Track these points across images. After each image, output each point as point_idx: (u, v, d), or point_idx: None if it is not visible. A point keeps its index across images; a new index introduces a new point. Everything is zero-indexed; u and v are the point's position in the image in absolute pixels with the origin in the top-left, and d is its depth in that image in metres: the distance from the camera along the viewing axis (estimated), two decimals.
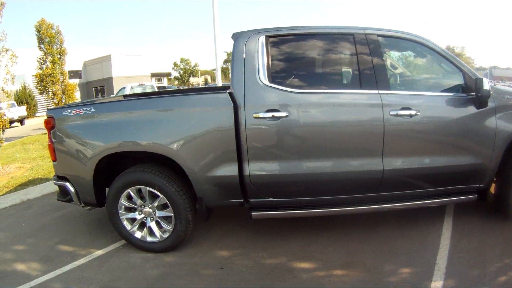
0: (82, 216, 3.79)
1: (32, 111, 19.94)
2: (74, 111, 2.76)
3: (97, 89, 26.00)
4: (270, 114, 2.47)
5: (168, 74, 48.43)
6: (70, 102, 10.99)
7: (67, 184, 2.88)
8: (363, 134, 2.51)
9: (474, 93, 2.57)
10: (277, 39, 2.66)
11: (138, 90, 14.08)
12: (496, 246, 2.58)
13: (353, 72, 2.64)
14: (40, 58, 10.27)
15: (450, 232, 2.80)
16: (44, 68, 10.25)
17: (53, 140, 2.87)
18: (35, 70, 10.38)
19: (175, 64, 56.64)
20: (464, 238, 2.71)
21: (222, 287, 2.37)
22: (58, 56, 10.29)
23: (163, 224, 2.79)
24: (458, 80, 2.73)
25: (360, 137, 2.52)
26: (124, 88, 13.96)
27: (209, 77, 62.76)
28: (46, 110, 3.27)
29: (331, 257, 2.59)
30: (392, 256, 2.52)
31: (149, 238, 2.84)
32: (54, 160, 2.93)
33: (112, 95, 14.32)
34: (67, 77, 10.91)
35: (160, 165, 2.73)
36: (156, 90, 14.91)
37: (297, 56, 2.77)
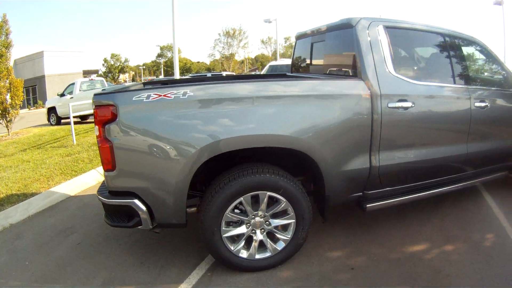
0: (109, 240, 2.97)
1: None
2: (156, 95, 2.11)
3: (28, 89, 22.89)
4: (402, 104, 2.56)
5: (97, 71, 45.44)
6: (16, 100, 9.57)
7: (136, 201, 2.17)
8: (461, 122, 2.94)
9: None
10: (391, 30, 2.70)
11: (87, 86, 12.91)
12: None
13: (448, 67, 2.97)
14: None
15: (495, 204, 3.45)
16: None
17: (112, 139, 2.10)
18: None
19: (105, 60, 52.48)
20: (511, 207, 3.35)
21: (376, 286, 2.26)
22: (5, 49, 8.88)
23: (279, 234, 2.45)
24: (499, 77, 3.42)
25: (459, 125, 2.95)
26: (73, 84, 12.63)
27: (134, 73, 59.49)
28: (94, 95, 2.24)
29: (432, 236, 2.87)
30: (472, 227, 3.03)
31: (258, 256, 2.42)
32: (110, 169, 2.14)
33: (58, 94, 12.77)
34: (13, 73, 9.47)
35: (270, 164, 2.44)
36: (107, 86, 13.79)
37: (408, 49, 3.06)
